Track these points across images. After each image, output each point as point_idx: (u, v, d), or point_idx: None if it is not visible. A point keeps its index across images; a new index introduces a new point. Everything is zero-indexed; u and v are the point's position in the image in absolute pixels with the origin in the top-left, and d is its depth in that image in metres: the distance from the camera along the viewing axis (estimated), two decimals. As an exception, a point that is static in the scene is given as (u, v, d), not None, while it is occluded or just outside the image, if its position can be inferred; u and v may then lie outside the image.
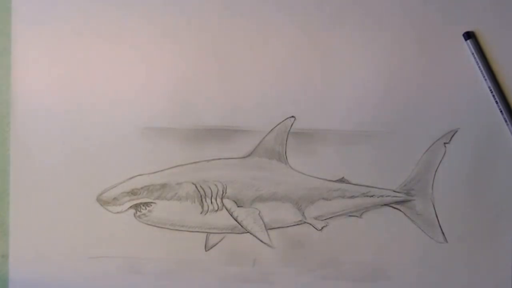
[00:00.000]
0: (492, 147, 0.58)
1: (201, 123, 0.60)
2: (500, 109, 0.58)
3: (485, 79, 0.58)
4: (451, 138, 0.58)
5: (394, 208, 0.59)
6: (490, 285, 0.58)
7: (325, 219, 0.59)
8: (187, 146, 0.60)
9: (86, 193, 0.60)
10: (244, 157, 0.60)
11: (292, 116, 0.59)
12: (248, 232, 0.59)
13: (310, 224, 0.59)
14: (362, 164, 0.59)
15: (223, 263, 0.59)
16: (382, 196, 0.59)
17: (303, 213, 0.59)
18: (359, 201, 0.59)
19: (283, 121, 0.59)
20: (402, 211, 0.59)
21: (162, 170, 0.60)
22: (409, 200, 0.59)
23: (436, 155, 0.59)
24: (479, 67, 0.58)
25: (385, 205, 0.59)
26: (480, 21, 0.58)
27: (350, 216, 0.59)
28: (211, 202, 0.59)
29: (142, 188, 0.60)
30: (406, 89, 0.59)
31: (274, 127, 0.59)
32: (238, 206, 0.59)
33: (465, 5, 0.59)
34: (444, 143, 0.59)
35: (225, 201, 0.60)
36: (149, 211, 0.60)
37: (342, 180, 0.59)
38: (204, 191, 0.59)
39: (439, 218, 0.59)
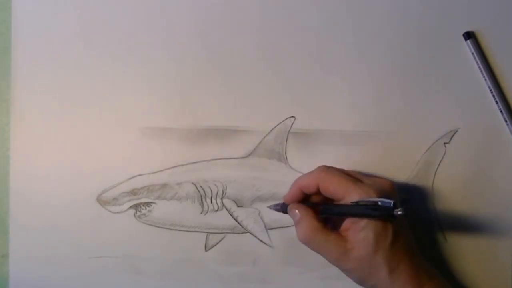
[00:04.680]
0: (492, 147, 0.58)
1: (201, 123, 0.60)
2: (500, 109, 0.58)
3: (485, 79, 0.58)
4: (451, 138, 0.58)
5: (394, 208, 0.59)
6: (490, 285, 0.58)
7: (325, 219, 0.59)
8: (187, 146, 0.60)
9: (86, 193, 0.60)
10: (244, 157, 0.60)
11: (292, 116, 0.59)
12: (248, 232, 0.59)
13: (310, 224, 0.59)
14: (362, 164, 0.59)
15: (223, 263, 0.59)
16: (382, 196, 0.59)
17: (303, 213, 0.59)
18: (359, 201, 0.59)
19: (283, 121, 0.59)
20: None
21: (162, 170, 0.60)
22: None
23: (436, 155, 0.59)
24: (479, 67, 0.58)
25: (385, 205, 0.59)
26: (480, 21, 0.58)
27: (350, 216, 0.59)
28: (211, 202, 0.59)
29: (142, 188, 0.60)
30: (406, 89, 0.59)
31: (274, 127, 0.59)
32: (238, 206, 0.59)
33: (465, 5, 0.59)
34: (444, 143, 0.58)
35: (225, 201, 0.60)
36: (149, 211, 0.60)
37: (342, 180, 0.59)
38: (204, 191, 0.59)
39: (439, 218, 0.58)
